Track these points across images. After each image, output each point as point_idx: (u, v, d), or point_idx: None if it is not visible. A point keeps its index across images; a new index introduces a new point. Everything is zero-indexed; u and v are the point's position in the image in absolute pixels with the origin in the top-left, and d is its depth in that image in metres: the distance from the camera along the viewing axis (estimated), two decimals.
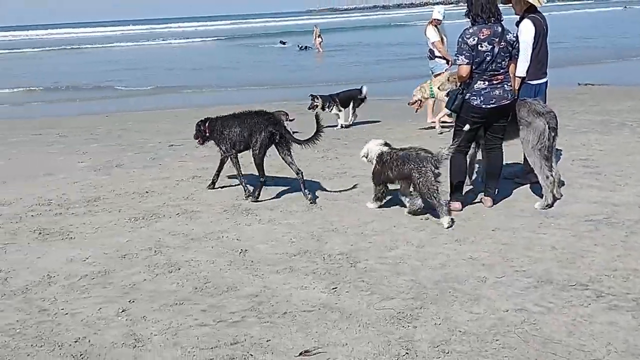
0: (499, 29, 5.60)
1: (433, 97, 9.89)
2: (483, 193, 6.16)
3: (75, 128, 12.55)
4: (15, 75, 26.79)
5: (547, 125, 5.77)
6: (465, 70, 5.63)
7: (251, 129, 6.59)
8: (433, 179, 5.55)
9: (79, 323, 4.06)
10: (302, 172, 6.65)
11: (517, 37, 5.89)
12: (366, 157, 6.21)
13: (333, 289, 4.34)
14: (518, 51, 5.83)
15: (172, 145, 10.20)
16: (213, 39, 51.52)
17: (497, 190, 6.14)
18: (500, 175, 6.16)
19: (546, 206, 5.76)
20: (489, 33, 5.54)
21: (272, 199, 6.71)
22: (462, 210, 5.96)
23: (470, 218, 5.72)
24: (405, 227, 5.56)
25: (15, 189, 7.64)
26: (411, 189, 5.78)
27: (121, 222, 6.19)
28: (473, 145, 6.23)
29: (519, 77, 6.38)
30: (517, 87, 6.39)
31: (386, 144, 6.11)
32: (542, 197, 5.90)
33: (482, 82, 5.64)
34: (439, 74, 10.12)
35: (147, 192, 7.30)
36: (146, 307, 4.24)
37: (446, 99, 6.30)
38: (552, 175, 5.80)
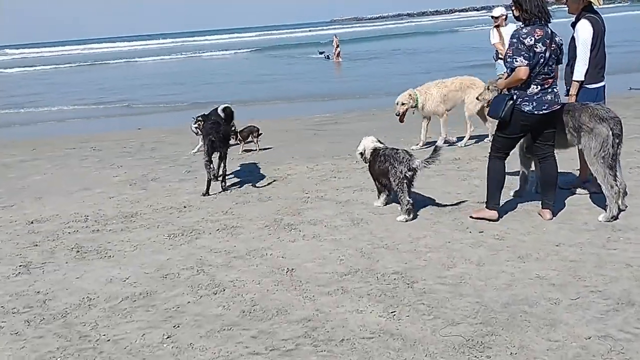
0: (549, 30, 5.35)
1: (415, 107, 9.40)
2: (541, 205, 5.79)
3: (109, 142, 12.46)
4: (64, 92, 27.12)
5: (611, 132, 5.39)
6: (525, 71, 5.22)
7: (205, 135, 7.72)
8: (402, 178, 5.94)
9: (123, 351, 3.81)
10: (224, 175, 7.78)
11: (573, 38, 5.69)
12: (362, 154, 6.60)
13: (392, 312, 4.02)
14: (562, 54, 5.55)
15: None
16: (246, 50, 50.27)
17: (554, 201, 5.76)
18: (557, 185, 5.79)
19: (611, 218, 5.37)
20: (542, 34, 5.26)
21: (313, 212, 6.43)
22: (498, 220, 5.67)
23: (529, 232, 5.35)
24: (461, 242, 5.21)
25: (52, 205, 7.49)
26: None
27: (160, 238, 5.97)
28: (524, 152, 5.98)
29: (577, 81, 6.03)
30: (574, 92, 6.05)
31: (379, 141, 6.59)
32: (605, 209, 5.52)
33: (535, 86, 5.32)
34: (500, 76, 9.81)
35: (184, 206, 7.08)
36: (192, 332, 3.97)
37: (475, 109, 6.02)
38: (617, 185, 5.41)
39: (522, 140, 5.94)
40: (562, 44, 5.48)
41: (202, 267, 5.09)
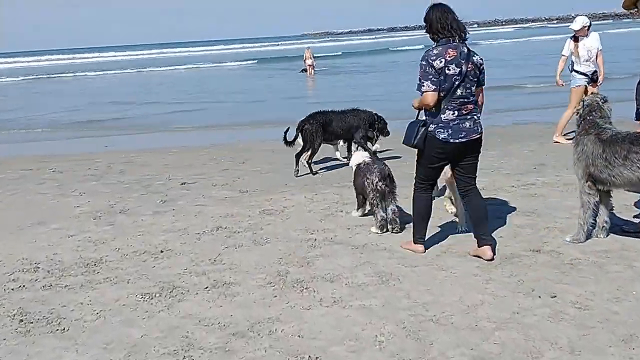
0: (465, 50, 4.74)
1: None
2: (476, 244, 4.98)
3: (72, 162, 10.97)
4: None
5: None
6: (432, 97, 4.69)
7: None
8: (374, 190, 5.83)
9: None
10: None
11: (482, 60, 4.88)
12: (352, 170, 6.46)
13: None
14: (483, 75, 4.89)
15: (184, 183, 8.63)
16: (225, 64, 47.90)
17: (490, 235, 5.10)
18: (488, 217, 5.08)
19: None
20: (456, 54, 4.68)
21: (325, 262, 5.13)
22: (424, 252, 5.18)
23: (618, 297, 4.13)
24: (534, 314, 3.97)
25: None
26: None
27: (132, 300, 4.60)
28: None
29: None
30: None
31: (371, 157, 6.41)
32: None
33: (450, 112, 4.76)
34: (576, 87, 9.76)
35: (161, 251, 5.72)
36: None
37: None
38: None
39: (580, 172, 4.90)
40: (481, 64, 4.83)
41: (189, 353, 3.74)
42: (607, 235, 5.25)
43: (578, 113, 5.22)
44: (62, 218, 7.06)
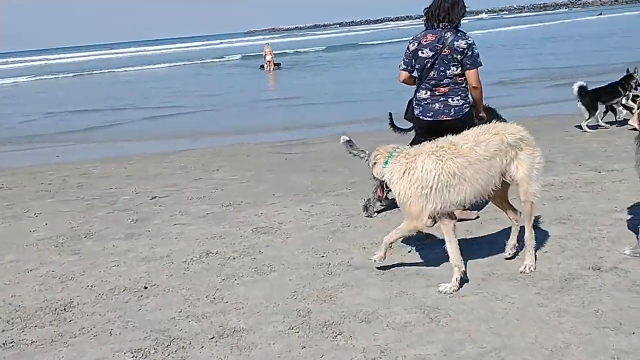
0: (448, 34, 5.00)
1: None
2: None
3: (21, 175, 9.74)
4: None
5: None
6: (402, 76, 5.32)
7: None
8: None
9: None
10: None
11: (470, 45, 5.01)
12: None
13: None
14: (471, 59, 5.00)
15: (155, 197, 7.60)
16: (174, 65, 44.36)
17: None
18: None
19: None
20: (433, 38, 5.04)
21: (352, 294, 4.26)
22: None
23: None
24: (638, 358, 3.19)
25: None
26: None
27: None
28: None
29: None
30: None
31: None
32: None
33: (424, 92, 5.22)
34: None
35: (145, 287, 4.75)
36: None
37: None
38: None
39: None
40: (463, 49, 4.97)
41: None
42: None
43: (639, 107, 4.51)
44: (18, 247, 5.96)
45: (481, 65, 5.13)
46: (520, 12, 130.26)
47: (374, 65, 29.59)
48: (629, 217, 5.30)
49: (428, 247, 5.07)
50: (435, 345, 3.50)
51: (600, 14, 70.19)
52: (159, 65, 42.53)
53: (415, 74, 5.30)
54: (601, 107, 9.62)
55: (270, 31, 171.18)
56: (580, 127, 9.69)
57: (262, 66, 31.41)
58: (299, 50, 48.42)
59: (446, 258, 4.64)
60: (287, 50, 46.03)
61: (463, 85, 5.12)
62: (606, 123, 9.80)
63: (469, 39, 5.06)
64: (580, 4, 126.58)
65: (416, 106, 5.26)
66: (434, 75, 5.05)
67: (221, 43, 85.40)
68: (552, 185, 6.67)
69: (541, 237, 5.07)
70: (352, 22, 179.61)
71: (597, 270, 4.32)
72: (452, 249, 4.31)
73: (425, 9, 5.12)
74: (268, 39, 50.48)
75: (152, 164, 9.99)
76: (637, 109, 4.47)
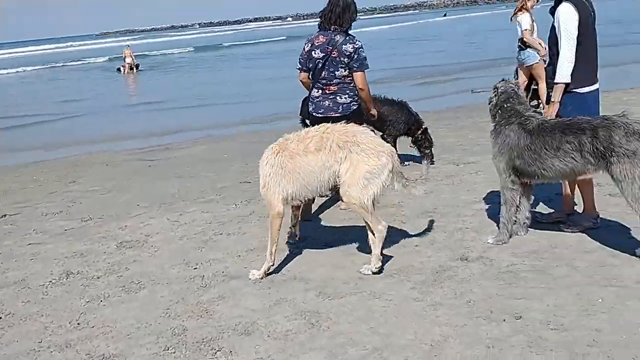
0: (337, 37, 5.26)
1: None
2: None
3: None
4: None
5: None
6: (300, 76, 5.56)
7: None
8: None
9: None
10: None
11: (356, 49, 5.23)
12: None
13: None
14: (357, 62, 5.27)
15: (4, 215, 6.91)
16: (22, 70, 39.44)
17: None
18: None
19: None
20: (325, 41, 5.29)
21: (232, 312, 4.09)
22: None
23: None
24: (511, 344, 3.32)
25: None
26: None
27: None
28: None
29: (560, 84, 4.57)
30: (557, 98, 4.58)
31: None
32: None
33: (316, 90, 5.48)
34: (532, 65, 9.19)
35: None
36: None
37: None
38: None
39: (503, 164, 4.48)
40: (350, 53, 5.21)
41: None
42: (527, 232, 4.87)
43: (491, 102, 4.75)
44: None
45: (367, 68, 5.36)
46: (373, 14, 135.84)
47: (240, 66, 29.34)
48: (488, 207, 5.61)
49: (303, 249, 5.02)
50: (318, 352, 3.43)
51: (445, 15, 75.10)
52: (4, 70, 39.03)
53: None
54: None
55: (125, 33, 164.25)
56: None
57: (119, 69, 29.96)
58: (165, 51, 46.95)
59: (322, 259, 4.63)
60: (147, 52, 44.39)
61: (351, 85, 5.40)
62: None
63: (357, 43, 5.28)
64: (427, 5, 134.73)
65: (310, 103, 5.55)
66: (324, 75, 5.34)
67: (71, 46, 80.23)
68: (415, 181, 6.89)
69: (412, 230, 5.22)
70: (211, 22, 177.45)
71: (465, 260, 4.50)
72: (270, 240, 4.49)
73: (320, 12, 5.39)
74: (127, 41, 48.11)
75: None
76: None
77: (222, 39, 62.74)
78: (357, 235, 5.24)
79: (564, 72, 4.56)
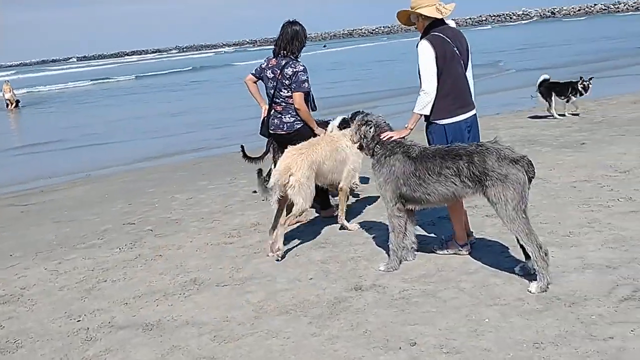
0: (283, 62, 5.92)
1: None
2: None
3: None
4: None
5: (526, 176, 4.24)
6: (247, 77, 6.19)
7: None
8: None
9: None
10: None
11: (295, 72, 5.89)
12: None
13: None
14: (295, 84, 5.86)
15: None
16: None
17: None
18: None
19: (547, 286, 4.17)
20: (275, 63, 5.98)
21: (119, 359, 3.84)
22: None
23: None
24: None
25: None
26: None
27: None
28: None
29: (415, 113, 4.81)
30: (411, 125, 4.82)
31: None
32: (522, 270, 4.46)
33: (271, 109, 6.08)
34: None
35: None
36: None
37: None
38: (544, 245, 4.26)
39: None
40: (290, 75, 5.85)
41: None
42: (415, 257, 5.02)
43: (366, 136, 4.86)
44: None
45: (306, 90, 5.91)
46: (254, 46, 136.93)
47: (128, 100, 28.34)
48: (377, 234, 5.73)
49: (195, 291, 4.86)
50: None
51: (324, 46, 77.37)
52: None
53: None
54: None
55: (16, 67, 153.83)
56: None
57: (7, 104, 27.99)
58: (42, 88, 44.35)
59: (215, 300, 4.50)
60: (32, 88, 41.89)
61: (295, 106, 5.93)
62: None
63: (298, 67, 5.90)
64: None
65: (266, 121, 6.13)
66: (273, 94, 5.96)
67: None
68: (310, 209, 6.95)
69: (305, 263, 5.21)
70: (85, 56, 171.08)
71: (359, 290, 4.54)
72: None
73: (274, 39, 6.08)
74: (5, 77, 44.92)
75: None
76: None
77: (111, 72, 60.33)
78: (251, 272, 5.17)
79: (419, 103, 4.80)
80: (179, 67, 58.62)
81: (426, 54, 4.78)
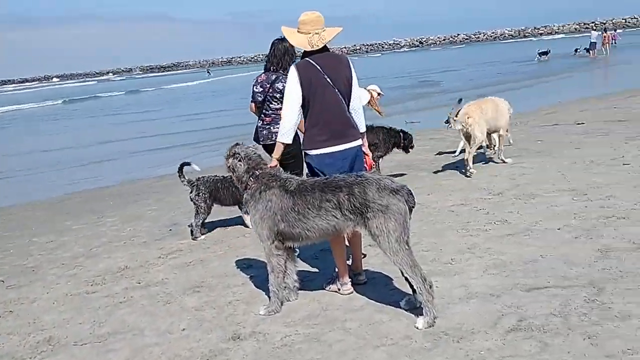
0: (273, 77, 5.93)
1: None
2: None
3: None
4: None
5: (406, 206, 4.06)
6: (251, 107, 6.21)
7: None
8: None
9: None
10: None
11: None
12: None
13: None
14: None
15: None
16: None
17: None
18: None
19: (434, 321, 3.99)
20: (264, 79, 6.00)
21: None
22: None
23: None
24: None
25: None
26: None
27: None
28: None
29: (279, 143, 4.58)
30: (277, 155, 4.61)
31: None
32: (407, 305, 4.27)
33: (260, 121, 6.10)
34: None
35: None
36: None
37: None
38: (428, 277, 4.08)
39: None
40: (280, 89, 5.71)
41: None
42: (297, 296, 4.69)
43: (236, 169, 4.49)
44: None
45: None
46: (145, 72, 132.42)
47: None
48: (257, 273, 5.36)
49: (49, 353, 4.21)
50: None
51: (208, 73, 76.56)
52: None
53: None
54: None
55: None
56: None
57: None
58: None
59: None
60: None
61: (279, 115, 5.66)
62: None
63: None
64: (183, 65, 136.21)
65: (257, 132, 6.14)
66: (262, 107, 6.00)
67: None
68: (181, 251, 6.45)
69: (177, 311, 4.72)
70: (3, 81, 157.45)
71: (237, 339, 4.13)
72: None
73: (266, 55, 6.07)
74: None
75: None
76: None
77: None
78: (115, 326, 4.59)
79: (280, 131, 4.60)
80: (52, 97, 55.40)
81: (289, 79, 4.56)
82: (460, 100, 8.58)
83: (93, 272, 6.06)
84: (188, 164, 6.91)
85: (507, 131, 9.02)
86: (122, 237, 7.29)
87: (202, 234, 6.89)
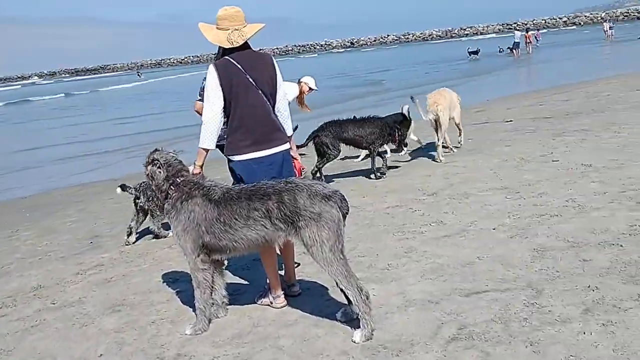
0: None
1: None
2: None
3: None
4: None
5: (340, 213, 3.83)
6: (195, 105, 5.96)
7: None
8: None
9: None
10: None
11: None
12: None
13: None
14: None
15: None
16: None
17: None
18: None
19: (372, 333, 3.77)
20: None
21: None
22: None
23: None
24: None
25: None
26: None
27: None
28: None
29: (200, 149, 4.28)
30: (200, 162, 4.31)
31: None
32: (344, 317, 4.03)
33: None
34: None
35: None
36: None
37: None
38: (364, 287, 3.86)
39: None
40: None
41: None
42: (227, 312, 4.38)
43: (156, 177, 4.13)
44: None
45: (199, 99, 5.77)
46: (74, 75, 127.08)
47: None
48: (184, 288, 5.01)
49: None
50: None
51: (139, 75, 74.26)
52: None
53: None
54: None
55: None
56: None
57: None
58: None
59: None
60: None
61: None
62: None
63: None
64: (110, 68, 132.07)
65: None
66: None
67: None
68: (102, 266, 6.01)
69: (95, 334, 4.31)
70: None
71: None
72: None
73: (213, 54, 5.24)
74: None
75: None
76: None
77: None
78: (25, 353, 4.15)
79: (202, 136, 4.26)
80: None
81: (208, 80, 4.24)
82: (412, 97, 8.67)
83: (3, 292, 5.55)
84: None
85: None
86: (37, 252, 6.76)
87: (128, 244, 6.56)
